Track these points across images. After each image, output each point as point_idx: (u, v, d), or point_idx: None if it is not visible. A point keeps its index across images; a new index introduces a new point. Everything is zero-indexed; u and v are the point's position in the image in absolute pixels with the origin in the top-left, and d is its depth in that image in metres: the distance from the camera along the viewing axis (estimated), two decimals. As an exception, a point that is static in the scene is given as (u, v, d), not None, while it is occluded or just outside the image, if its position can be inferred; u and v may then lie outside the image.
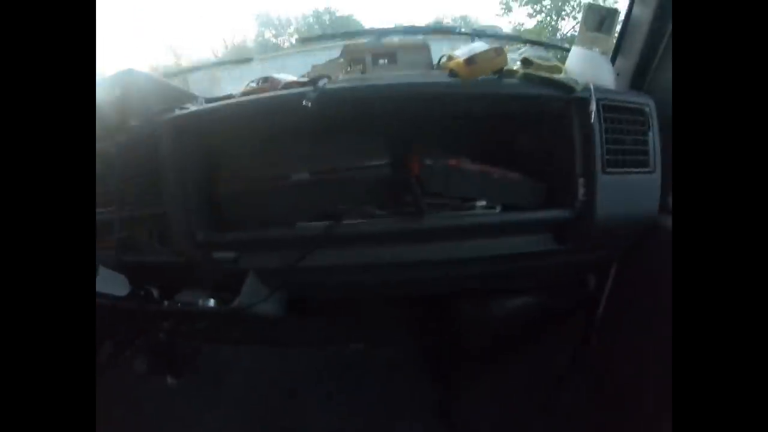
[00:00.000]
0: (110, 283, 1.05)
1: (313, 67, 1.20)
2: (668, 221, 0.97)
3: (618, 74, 1.15)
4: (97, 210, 1.06)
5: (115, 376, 1.29)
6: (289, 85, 1.02)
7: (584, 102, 0.92)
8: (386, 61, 1.02)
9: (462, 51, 0.95)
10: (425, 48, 1.03)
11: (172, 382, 1.37)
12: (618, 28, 1.16)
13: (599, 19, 1.11)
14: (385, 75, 0.99)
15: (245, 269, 1.00)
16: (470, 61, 0.90)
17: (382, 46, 1.03)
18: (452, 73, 0.94)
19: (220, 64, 1.96)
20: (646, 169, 0.96)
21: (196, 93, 1.23)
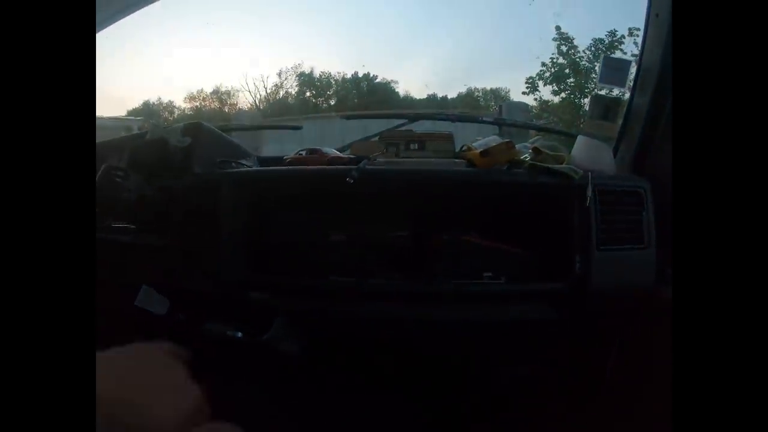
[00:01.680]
0: (152, 301, 1.18)
1: (354, 143, 1.37)
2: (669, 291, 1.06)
3: (621, 158, 1.30)
4: (151, 236, 1.21)
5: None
6: (335, 160, 1.20)
7: (582, 188, 1.05)
8: (416, 146, 1.15)
9: (479, 143, 1.14)
10: (450, 138, 1.17)
11: None
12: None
13: (604, 108, 1.26)
14: (414, 160, 1.13)
15: (276, 309, 1.13)
16: (485, 153, 1.07)
17: (414, 134, 1.19)
18: (470, 163, 1.11)
19: (275, 127, 2.19)
20: (640, 245, 1.08)
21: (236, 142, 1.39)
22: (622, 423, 1.23)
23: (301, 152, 1.27)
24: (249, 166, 1.27)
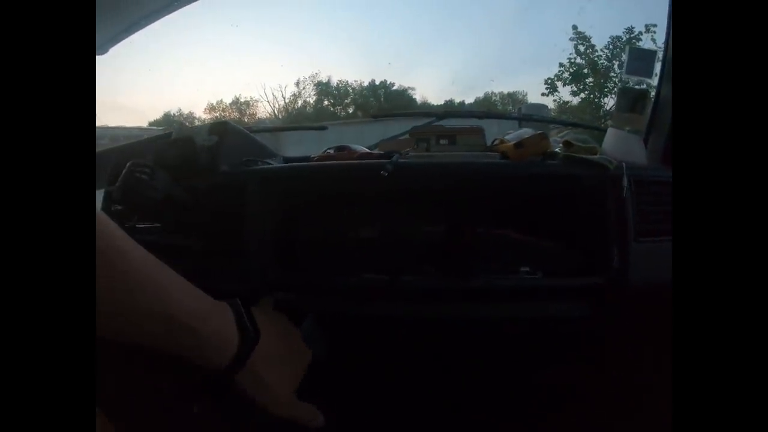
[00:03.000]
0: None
1: (381, 141, 1.36)
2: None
3: (652, 150, 1.28)
4: (180, 236, 1.19)
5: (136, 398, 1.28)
6: (365, 156, 1.20)
7: (617, 179, 1.03)
8: (447, 141, 1.14)
9: (511, 136, 1.12)
10: (480, 131, 1.16)
11: (198, 410, 1.30)
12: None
13: (632, 101, 1.25)
14: (447, 154, 1.12)
15: (303, 310, 1.08)
16: (519, 145, 1.06)
17: (444, 129, 1.19)
18: (503, 155, 1.10)
19: (300, 128, 2.19)
20: None
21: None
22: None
23: (329, 150, 1.27)
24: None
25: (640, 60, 1.28)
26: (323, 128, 1.72)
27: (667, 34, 1.29)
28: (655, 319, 1.15)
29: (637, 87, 1.29)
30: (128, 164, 1.12)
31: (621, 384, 1.25)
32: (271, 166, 1.22)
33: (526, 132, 1.13)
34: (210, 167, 1.19)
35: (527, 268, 1.05)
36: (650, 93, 1.29)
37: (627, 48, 1.41)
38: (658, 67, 1.30)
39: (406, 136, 1.32)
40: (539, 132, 1.10)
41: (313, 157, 1.28)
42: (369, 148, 1.36)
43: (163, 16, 1.73)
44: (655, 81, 1.31)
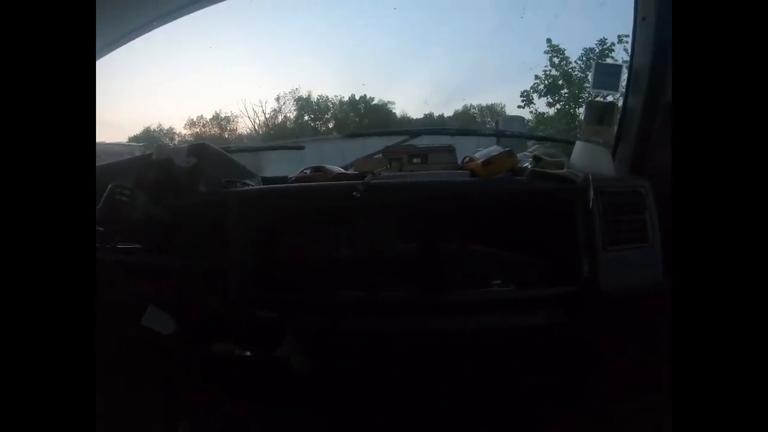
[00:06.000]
0: (158, 320, 1.16)
1: (357, 160, 1.39)
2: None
3: (620, 161, 1.31)
4: (161, 256, 1.21)
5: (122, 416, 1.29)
6: (340, 176, 1.22)
7: (584, 191, 1.06)
8: (419, 160, 1.18)
9: (481, 154, 1.16)
10: (452, 151, 1.19)
11: (183, 430, 1.34)
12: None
13: (599, 114, 1.30)
14: (418, 173, 1.15)
15: (284, 327, 1.13)
16: (487, 163, 1.10)
17: (416, 149, 1.22)
18: (472, 173, 1.13)
19: (277, 147, 2.20)
20: (646, 244, 1.09)
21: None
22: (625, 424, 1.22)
23: (305, 171, 1.28)
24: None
25: (607, 75, 1.32)
26: (301, 148, 1.74)
27: (632, 47, 1.33)
28: (627, 323, 1.19)
29: (604, 100, 1.33)
30: (109, 186, 1.14)
31: (599, 387, 1.27)
32: (249, 187, 1.23)
33: (495, 149, 1.16)
34: (189, 188, 1.21)
35: (499, 281, 1.09)
36: (617, 105, 1.33)
37: (593, 63, 1.45)
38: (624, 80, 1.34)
39: (380, 156, 1.34)
40: (506, 149, 1.14)
41: (291, 178, 1.30)
42: (346, 167, 1.38)
43: (143, 33, 1.75)
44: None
